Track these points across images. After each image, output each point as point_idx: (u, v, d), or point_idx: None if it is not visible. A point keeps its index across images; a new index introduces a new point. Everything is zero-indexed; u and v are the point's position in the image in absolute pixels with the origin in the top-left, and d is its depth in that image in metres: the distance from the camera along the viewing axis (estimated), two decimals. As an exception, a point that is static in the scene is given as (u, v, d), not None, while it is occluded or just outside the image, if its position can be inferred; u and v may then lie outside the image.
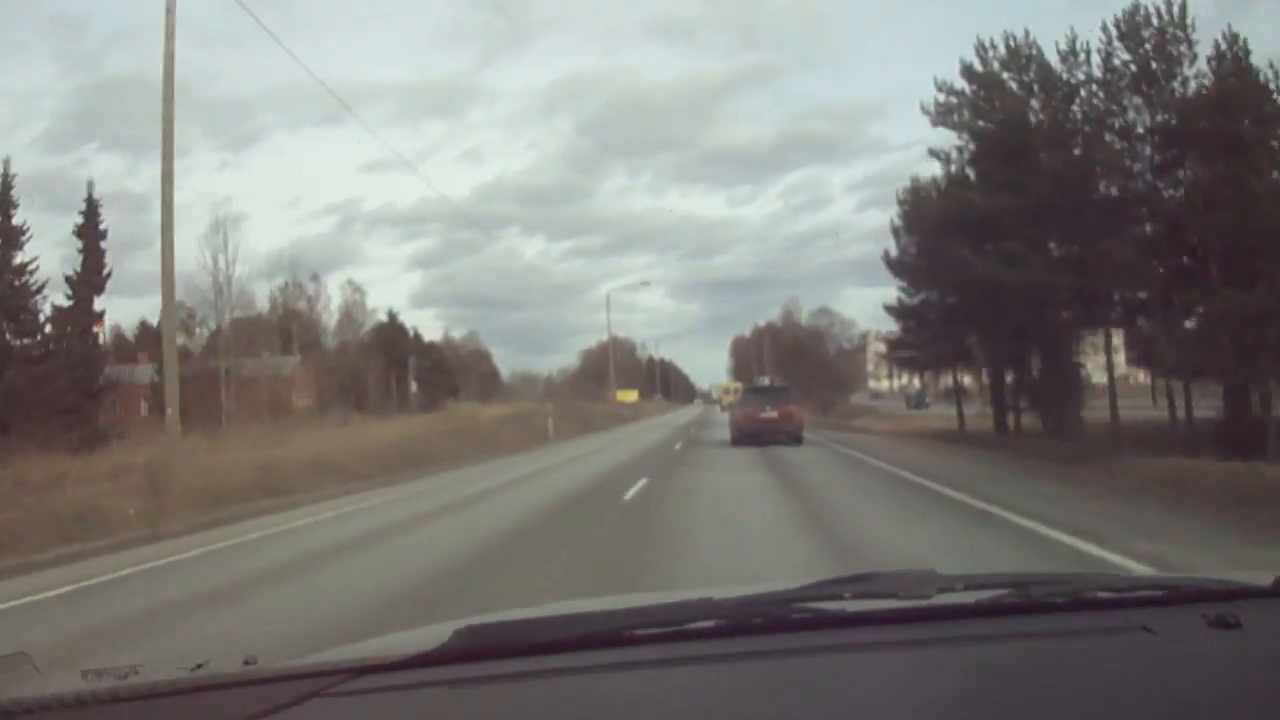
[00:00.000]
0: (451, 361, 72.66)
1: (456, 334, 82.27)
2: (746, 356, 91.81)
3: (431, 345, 73.05)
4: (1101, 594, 1.45)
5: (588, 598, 1.99)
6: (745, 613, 1.37)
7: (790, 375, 72.64)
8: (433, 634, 1.34)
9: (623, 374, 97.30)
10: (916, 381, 77.69)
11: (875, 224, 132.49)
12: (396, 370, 55.71)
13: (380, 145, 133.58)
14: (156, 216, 14.65)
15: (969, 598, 1.41)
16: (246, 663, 1.30)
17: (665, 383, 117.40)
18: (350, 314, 65.59)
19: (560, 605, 1.79)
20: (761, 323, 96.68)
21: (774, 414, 22.30)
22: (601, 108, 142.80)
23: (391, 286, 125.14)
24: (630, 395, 77.38)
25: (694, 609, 1.37)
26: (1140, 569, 5.94)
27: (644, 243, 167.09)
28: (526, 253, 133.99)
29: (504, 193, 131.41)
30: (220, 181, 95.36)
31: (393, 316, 74.08)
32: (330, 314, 63.88)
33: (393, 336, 66.91)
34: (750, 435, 21.78)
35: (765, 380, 42.56)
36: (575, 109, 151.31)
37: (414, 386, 49.66)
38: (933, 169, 23.78)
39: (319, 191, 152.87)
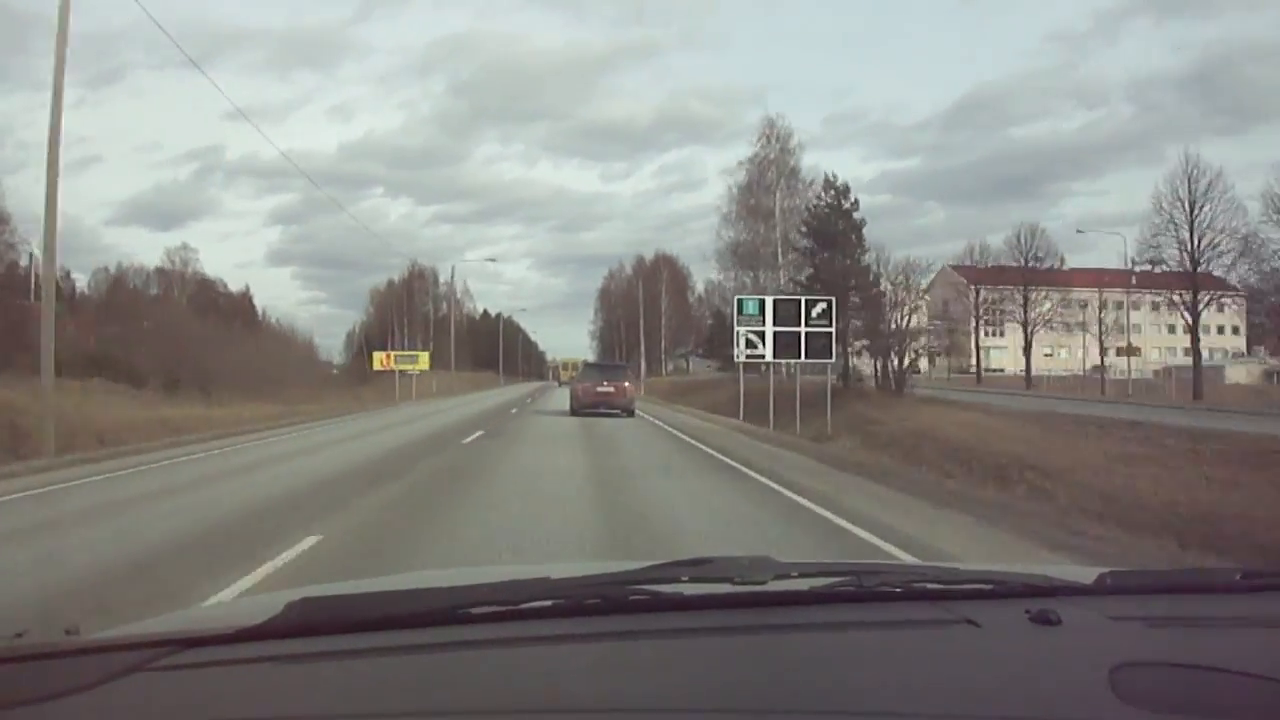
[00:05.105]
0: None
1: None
2: (622, 308, 75.26)
3: None
4: (931, 585, 1.49)
5: (427, 570, 1.94)
6: (582, 593, 1.36)
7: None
8: (264, 605, 1.30)
9: (434, 334, 65.21)
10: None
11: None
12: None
13: (246, 92, 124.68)
14: None
15: (803, 585, 1.44)
16: (68, 632, 1.25)
17: (521, 355, 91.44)
18: None
19: (398, 578, 1.75)
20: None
21: (610, 389, 24.51)
22: (478, 71, 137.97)
23: (249, 240, 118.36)
24: (418, 362, 45.49)
25: (531, 588, 1.36)
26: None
27: (513, 212, 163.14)
28: (391, 215, 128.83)
29: (371, 152, 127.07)
30: (76, 119, 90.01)
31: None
32: None
33: None
34: (588, 406, 24.14)
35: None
36: (451, 70, 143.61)
37: None
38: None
39: (180, 137, 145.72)
